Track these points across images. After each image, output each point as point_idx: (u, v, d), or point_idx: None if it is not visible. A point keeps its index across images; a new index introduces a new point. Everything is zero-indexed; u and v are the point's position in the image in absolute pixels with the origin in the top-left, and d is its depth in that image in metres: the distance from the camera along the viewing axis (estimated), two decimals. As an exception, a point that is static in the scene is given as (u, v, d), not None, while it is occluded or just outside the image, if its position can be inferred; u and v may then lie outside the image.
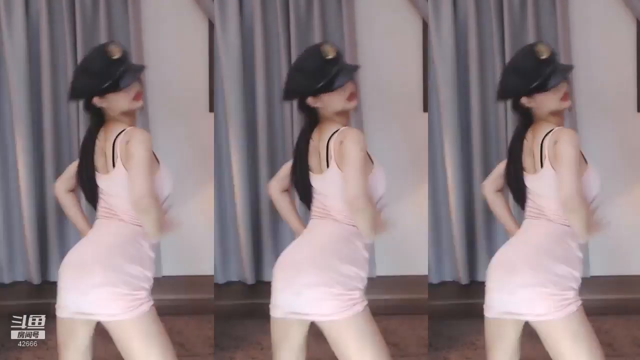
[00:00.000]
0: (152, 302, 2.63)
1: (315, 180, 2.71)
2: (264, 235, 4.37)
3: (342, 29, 4.26)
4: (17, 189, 4.27)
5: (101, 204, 2.69)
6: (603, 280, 4.37)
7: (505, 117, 4.28)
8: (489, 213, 4.37)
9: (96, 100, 2.65)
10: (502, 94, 2.76)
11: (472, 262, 4.39)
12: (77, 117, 4.24)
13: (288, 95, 2.81)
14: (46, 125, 4.26)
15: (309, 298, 2.59)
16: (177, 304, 4.08)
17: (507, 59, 4.23)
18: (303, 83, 2.69)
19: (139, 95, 2.70)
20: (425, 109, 4.25)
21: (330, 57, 2.68)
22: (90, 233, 2.72)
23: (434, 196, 4.33)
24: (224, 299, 4.16)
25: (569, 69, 2.73)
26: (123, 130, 2.63)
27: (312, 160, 2.70)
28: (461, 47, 4.30)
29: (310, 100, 2.69)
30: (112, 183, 2.65)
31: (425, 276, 4.10)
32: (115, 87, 2.65)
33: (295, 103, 4.29)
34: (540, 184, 2.65)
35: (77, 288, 2.60)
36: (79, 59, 4.19)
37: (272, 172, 4.34)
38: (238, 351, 3.79)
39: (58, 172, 4.29)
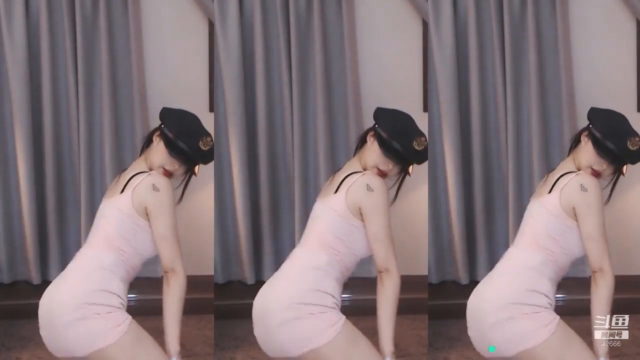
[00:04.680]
0: (128, 319, 2.67)
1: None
2: (264, 235, 4.37)
3: (342, 29, 4.26)
4: (17, 188, 4.27)
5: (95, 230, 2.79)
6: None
7: (505, 117, 4.28)
8: (489, 213, 4.38)
9: (155, 136, 2.80)
10: (589, 115, 2.84)
11: (472, 262, 4.39)
12: (77, 117, 4.24)
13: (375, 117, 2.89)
14: (46, 125, 4.25)
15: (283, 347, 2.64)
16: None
17: (507, 59, 4.23)
18: (385, 124, 2.77)
19: (166, 172, 2.79)
20: (425, 109, 4.25)
21: (418, 148, 2.74)
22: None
23: (434, 196, 4.33)
24: (223, 299, 4.16)
25: (621, 170, 2.79)
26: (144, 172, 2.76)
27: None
28: (461, 47, 4.30)
29: (369, 136, 2.78)
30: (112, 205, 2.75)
31: (425, 276, 4.11)
32: (170, 148, 2.76)
33: (295, 103, 4.33)
34: (540, 207, 2.68)
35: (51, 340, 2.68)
36: (79, 59, 4.19)
37: (272, 172, 4.35)
38: (238, 351, 3.80)
39: (58, 172, 4.29)
